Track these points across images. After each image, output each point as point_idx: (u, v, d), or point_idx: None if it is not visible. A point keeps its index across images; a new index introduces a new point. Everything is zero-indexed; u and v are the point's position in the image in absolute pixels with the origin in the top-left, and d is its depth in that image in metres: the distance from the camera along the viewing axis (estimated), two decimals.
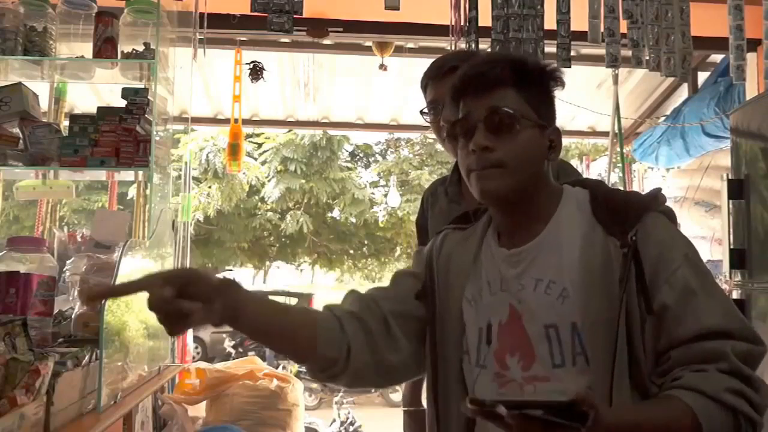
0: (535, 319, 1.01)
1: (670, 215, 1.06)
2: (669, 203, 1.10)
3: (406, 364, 1.12)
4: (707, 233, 4.45)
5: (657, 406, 0.93)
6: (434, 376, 1.12)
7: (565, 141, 1.66)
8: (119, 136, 2.33)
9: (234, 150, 3.90)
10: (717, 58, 4.34)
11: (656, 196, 1.07)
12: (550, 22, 2.81)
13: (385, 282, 1.20)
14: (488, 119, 1.02)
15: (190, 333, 3.98)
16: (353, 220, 13.28)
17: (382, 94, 4.78)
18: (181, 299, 0.89)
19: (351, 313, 1.10)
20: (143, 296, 0.89)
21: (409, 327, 1.12)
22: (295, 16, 2.73)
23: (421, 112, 1.70)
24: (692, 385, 0.90)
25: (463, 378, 1.08)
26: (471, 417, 0.79)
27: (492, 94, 1.04)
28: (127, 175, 2.65)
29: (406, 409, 1.88)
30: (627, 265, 0.97)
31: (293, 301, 13.59)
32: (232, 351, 9.80)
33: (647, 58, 2.93)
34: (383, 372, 1.10)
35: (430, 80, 1.67)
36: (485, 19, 2.79)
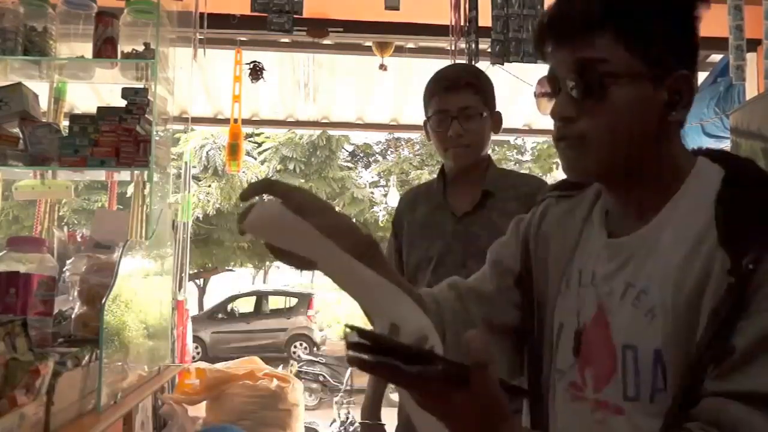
0: (617, 333, 0.79)
1: None
2: None
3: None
4: None
5: None
6: (536, 390, 0.89)
7: None
8: (119, 136, 2.33)
9: (234, 150, 3.90)
10: (717, 58, 4.33)
11: None
12: None
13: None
14: (569, 79, 0.78)
15: (189, 333, 3.98)
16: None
17: (382, 94, 4.78)
18: None
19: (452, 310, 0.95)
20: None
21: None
22: (295, 16, 2.74)
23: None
24: None
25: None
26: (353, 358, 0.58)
27: (575, 42, 0.77)
28: (127, 174, 2.65)
29: (363, 422, 1.81)
30: (731, 299, 0.69)
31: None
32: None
33: None
34: None
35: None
36: (485, 19, 2.79)
